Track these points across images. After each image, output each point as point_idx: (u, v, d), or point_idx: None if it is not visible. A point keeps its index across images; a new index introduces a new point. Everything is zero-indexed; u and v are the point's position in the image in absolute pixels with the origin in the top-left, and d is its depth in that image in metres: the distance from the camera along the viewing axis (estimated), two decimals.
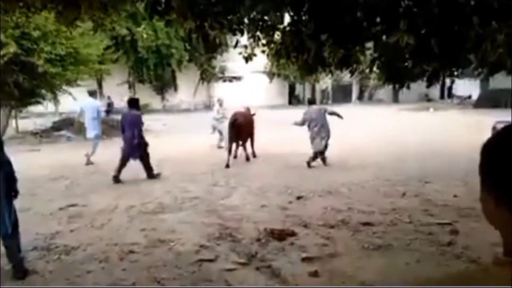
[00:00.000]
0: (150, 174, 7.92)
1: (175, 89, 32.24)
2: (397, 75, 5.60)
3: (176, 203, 6.36)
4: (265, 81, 33.60)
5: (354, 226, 4.98)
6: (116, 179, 7.69)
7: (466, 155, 6.72)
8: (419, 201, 6.06)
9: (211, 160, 9.78)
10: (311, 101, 9.85)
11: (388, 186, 7.02)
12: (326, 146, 8.68)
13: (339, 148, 9.67)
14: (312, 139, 8.65)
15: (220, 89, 32.05)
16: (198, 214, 5.75)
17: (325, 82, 36.26)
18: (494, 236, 0.72)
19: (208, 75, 32.70)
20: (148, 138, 8.43)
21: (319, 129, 8.51)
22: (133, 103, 8.17)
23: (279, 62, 7.34)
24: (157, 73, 28.22)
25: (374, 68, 5.35)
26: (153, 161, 8.10)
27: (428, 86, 5.93)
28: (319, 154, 8.71)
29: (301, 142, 9.29)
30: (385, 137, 13.10)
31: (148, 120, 11.23)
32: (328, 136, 8.65)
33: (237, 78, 35.96)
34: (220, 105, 11.93)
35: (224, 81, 35.48)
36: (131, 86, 30.23)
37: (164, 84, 30.80)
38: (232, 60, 34.40)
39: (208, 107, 29.55)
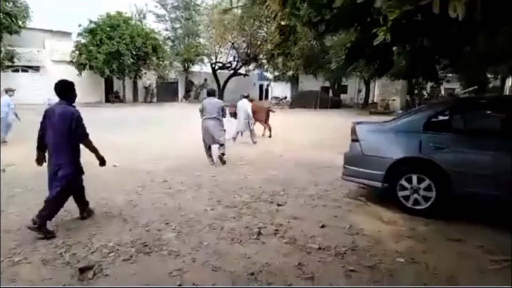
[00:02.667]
0: None
1: None
2: None
3: None
4: (73, 74, 27.70)
5: None
6: None
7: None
8: None
9: None
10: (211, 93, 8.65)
11: None
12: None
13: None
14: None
15: (10, 80, 24.54)
16: None
17: (149, 78, 32.99)
18: None
19: None
20: None
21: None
22: None
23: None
24: None
25: None
26: None
27: None
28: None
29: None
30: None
31: None
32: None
33: (34, 68, 28.76)
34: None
35: (16, 70, 27.83)
36: None
37: None
38: (26, 45, 27.27)
39: None
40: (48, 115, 4.19)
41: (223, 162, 8.07)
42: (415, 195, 4.74)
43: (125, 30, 28.06)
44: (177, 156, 8.91)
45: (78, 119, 4.13)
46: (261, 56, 35.01)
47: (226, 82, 36.98)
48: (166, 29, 37.22)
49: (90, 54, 27.14)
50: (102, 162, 4.43)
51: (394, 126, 5.01)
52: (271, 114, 13.30)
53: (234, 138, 11.45)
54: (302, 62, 30.40)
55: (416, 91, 27.27)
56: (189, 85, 37.30)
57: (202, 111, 8.22)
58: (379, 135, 5.10)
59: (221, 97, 36.36)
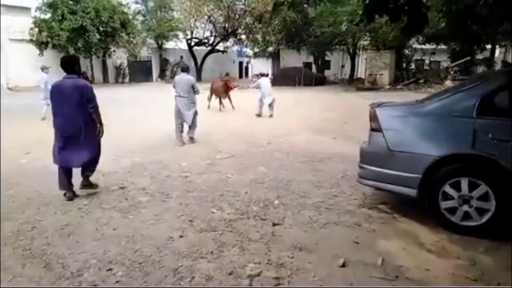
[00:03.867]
0: None
1: None
2: None
3: None
4: (34, 53, 25.10)
5: None
6: None
7: None
8: None
9: None
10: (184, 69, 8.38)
11: None
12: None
13: None
14: None
15: None
16: None
17: (119, 57, 30.53)
18: None
19: None
20: None
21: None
22: None
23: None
24: None
25: None
26: None
27: None
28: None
29: None
30: None
31: None
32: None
33: None
34: None
35: None
36: None
37: None
38: None
39: None
40: (56, 89, 4.44)
41: (192, 141, 7.91)
42: (465, 207, 3.38)
43: (89, 3, 25.43)
44: (144, 147, 7.33)
45: (91, 90, 4.49)
46: (240, 30, 32.94)
47: (203, 59, 34.83)
48: (136, 2, 34.32)
49: (51, 31, 24.52)
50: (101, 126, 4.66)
51: (432, 109, 3.53)
52: (237, 91, 13.91)
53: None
54: (284, 35, 28.61)
55: (404, 65, 26.04)
56: (164, 63, 34.85)
57: (174, 87, 7.96)
58: (411, 122, 3.62)
59: (199, 75, 34.39)
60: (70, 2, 25.11)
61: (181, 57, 35.96)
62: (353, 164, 6.12)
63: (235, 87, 13.54)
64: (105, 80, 30.23)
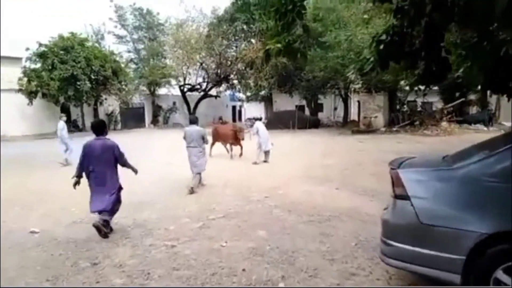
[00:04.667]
0: None
1: None
2: None
3: None
4: (23, 103, 24.67)
5: None
6: None
7: None
8: None
9: None
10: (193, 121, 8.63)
11: None
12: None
13: None
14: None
15: None
16: None
17: (111, 104, 30.24)
18: None
19: None
20: None
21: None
22: None
23: None
24: None
25: None
26: None
27: None
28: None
29: None
30: None
31: None
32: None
33: None
34: None
35: None
36: None
37: None
38: None
39: None
40: (88, 149, 5.26)
41: (191, 192, 7.78)
42: None
43: (80, 52, 25.44)
44: (130, 203, 6.52)
45: (118, 148, 5.34)
46: (232, 76, 33.14)
47: (196, 104, 34.68)
48: (129, 51, 34.78)
49: (41, 80, 24.25)
50: (136, 171, 5.56)
51: (471, 172, 2.89)
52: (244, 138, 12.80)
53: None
54: (276, 80, 28.73)
55: (398, 107, 25.95)
56: (156, 109, 34.63)
57: (185, 139, 8.27)
58: (446, 188, 2.95)
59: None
60: (61, 52, 25.08)
61: (174, 103, 35.86)
62: (364, 224, 5.41)
63: (242, 138, 12.67)
64: None
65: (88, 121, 29.48)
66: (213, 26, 29.68)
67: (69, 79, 24.74)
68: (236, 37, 30.71)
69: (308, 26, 2.53)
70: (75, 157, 11.71)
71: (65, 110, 28.04)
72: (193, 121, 8.50)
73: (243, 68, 30.54)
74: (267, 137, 11.99)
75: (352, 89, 27.50)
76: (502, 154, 2.85)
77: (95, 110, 29.71)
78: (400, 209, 3.09)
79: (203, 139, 8.17)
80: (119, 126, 31.64)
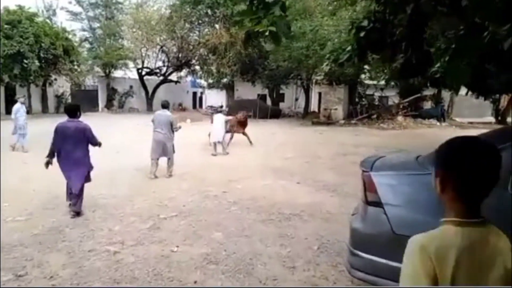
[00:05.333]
0: None
1: None
2: None
3: None
4: None
5: None
6: None
7: None
8: None
9: None
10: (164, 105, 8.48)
11: None
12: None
13: None
14: None
15: None
16: None
17: (62, 85, 28.20)
18: None
19: None
20: None
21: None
22: None
23: None
24: None
25: None
26: None
27: None
28: None
29: None
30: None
31: None
32: None
33: None
34: None
35: None
36: None
37: None
38: None
39: None
40: (60, 130, 5.44)
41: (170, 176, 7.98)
42: None
43: (28, 28, 23.33)
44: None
45: (90, 131, 5.57)
46: (193, 61, 32.08)
47: (155, 89, 33.34)
48: (83, 29, 32.54)
49: None
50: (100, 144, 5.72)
51: None
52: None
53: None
54: (239, 68, 28.13)
55: (357, 100, 26.31)
56: (111, 92, 32.81)
57: (153, 122, 8.18)
58: (423, 193, 2.65)
59: (150, 106, 32.76)
60: (6, 26, 22.88)
61: (131, 86, 34.21)
62: (325, 223, 5.15)
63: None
64: (44, 110, 27.62)
65: (35, 102, 27.40)
66: (176, 8, 28.38)
67: (15, 56, 22.64)
68: (200, 21, 29.63)
69: (286, 6, 2.13)
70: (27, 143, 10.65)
71: (9, 90, 25.85)
72: (165, 105, 8.41)
73: (206, 53, 29.59)
74: (218, 130, 11.33)
75: (314, 80, 27.57)
76: None
77: (44, 91, 27.59)
78: (372, 217, 2.79)
79: (172, 126, 8.05)
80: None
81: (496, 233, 1.13)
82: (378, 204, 2.73)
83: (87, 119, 7.44)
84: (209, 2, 26.74)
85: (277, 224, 5.04)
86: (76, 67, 27.11)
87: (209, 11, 28.30)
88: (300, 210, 5.65)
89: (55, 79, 26.95)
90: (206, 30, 29.25)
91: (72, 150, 5.33)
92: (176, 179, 7.86)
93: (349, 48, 3.07)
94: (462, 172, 1.11)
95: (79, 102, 32.19)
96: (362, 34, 2.74)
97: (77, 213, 5.23)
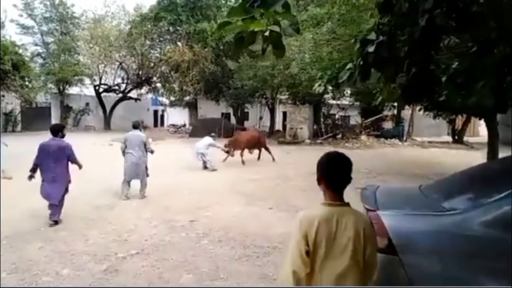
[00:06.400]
0: None
1: None
2: None
3: None
4: None
5: None
6: None
7: None
8: None
9: None
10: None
11: None
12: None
13: None
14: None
15: None
16: None
17: (10, 102, 26.18)
18: None
19: None
20: None
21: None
22: None
23: None
24: None
25: None
26: None
27: None
28: None
29: None
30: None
31: None
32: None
33: None
34: None
35: None
36: None
37: None
38: None
39: None
40: (44, 148, 5.95)
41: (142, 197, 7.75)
42: None
43: None
44: (20, 232, 4.92)
45: (71, 149, 6.13)
46: (155, 78, 31.14)
47: (113, 107, 31.89)
48: (36, 44, 30.71)
49: None
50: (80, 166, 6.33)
51: (476, 220, 2.19)
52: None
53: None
54: (203, 86, 27.57)
55: (322, 120, 26.51)
56: (66, 110, 31.00)
57: (125, 143, 7.88)
58: (444, 239, 2.20)
59: (108, 124, 31.22)
60: None
61: (87, 104, 32.56)
62: None
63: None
64: None
65: None
66: (136, 24, 27.55)
67: None
68: (161, 38, 28.95)
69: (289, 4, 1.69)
70: None
71: None
72: (135, 126, 8.14)
73: (168, 71, 28.82)
74: (198, 148, 11.82)
75: (279, 99, 27.57)
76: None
77: None
78: (385, 267, 2.30)
79: (145, 146, 7.87)
80: (19, 127, 27.60)
81: (352, 211, 1.85)
82: (391, 252, 2.25)
83: (38, 139, 6.72)
84: (170, 19, 26.19)
85: (255, 262, 4.47)
86: (27, 83, 25.29)
87: (171, 28, 27.74)
88: (278, 242, 5.12)
89: (3, 96, 24.95)
90: (168, 47, 28.56)
91: (54, 167, 5.88)
92: (137, 205, 7.08)
93: (349, 65, 2.67)
94: (330, 173, 1.87)
95: (30, 120, 30.18)
96: (371, 48, 2.34)
97: (56, 222, 5.77)
